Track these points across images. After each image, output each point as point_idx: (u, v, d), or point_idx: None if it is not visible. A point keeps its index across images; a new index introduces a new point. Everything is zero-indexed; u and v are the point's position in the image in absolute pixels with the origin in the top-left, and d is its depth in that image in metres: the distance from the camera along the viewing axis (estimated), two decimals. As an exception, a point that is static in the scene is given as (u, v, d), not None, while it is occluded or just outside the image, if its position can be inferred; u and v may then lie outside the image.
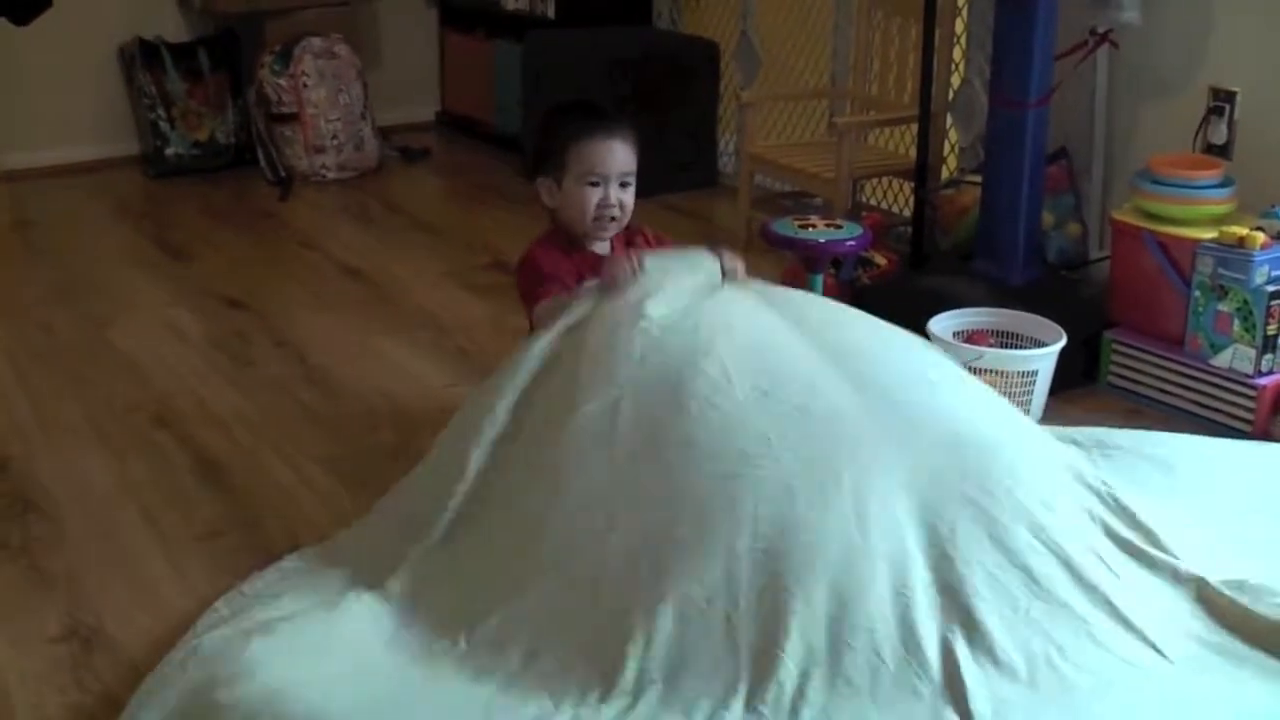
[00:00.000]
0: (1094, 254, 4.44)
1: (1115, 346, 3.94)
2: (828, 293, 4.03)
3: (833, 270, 4.33)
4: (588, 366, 2.78)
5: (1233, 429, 3.66)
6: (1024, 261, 4.18)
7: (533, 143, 3.52)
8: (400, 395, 3.95)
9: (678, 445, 2.59)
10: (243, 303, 4.73)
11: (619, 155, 3.30)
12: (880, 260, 4.53)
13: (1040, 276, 4.23)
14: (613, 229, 3.36)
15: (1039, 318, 3.81)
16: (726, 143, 6.26)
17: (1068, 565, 2.54)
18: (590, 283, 3.21)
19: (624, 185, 3.31)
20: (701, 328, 2.80)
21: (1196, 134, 4.13)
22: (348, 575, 2.79)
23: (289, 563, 2.93)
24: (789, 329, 2.86)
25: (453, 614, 2.60)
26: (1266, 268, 3.61)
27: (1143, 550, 2.68)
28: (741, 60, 6.10)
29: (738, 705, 2.34)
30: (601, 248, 3.42)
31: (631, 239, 3.47)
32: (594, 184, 3.28)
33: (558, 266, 3.31)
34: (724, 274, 3.08)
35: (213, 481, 3.45)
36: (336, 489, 3.38)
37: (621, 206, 3.31)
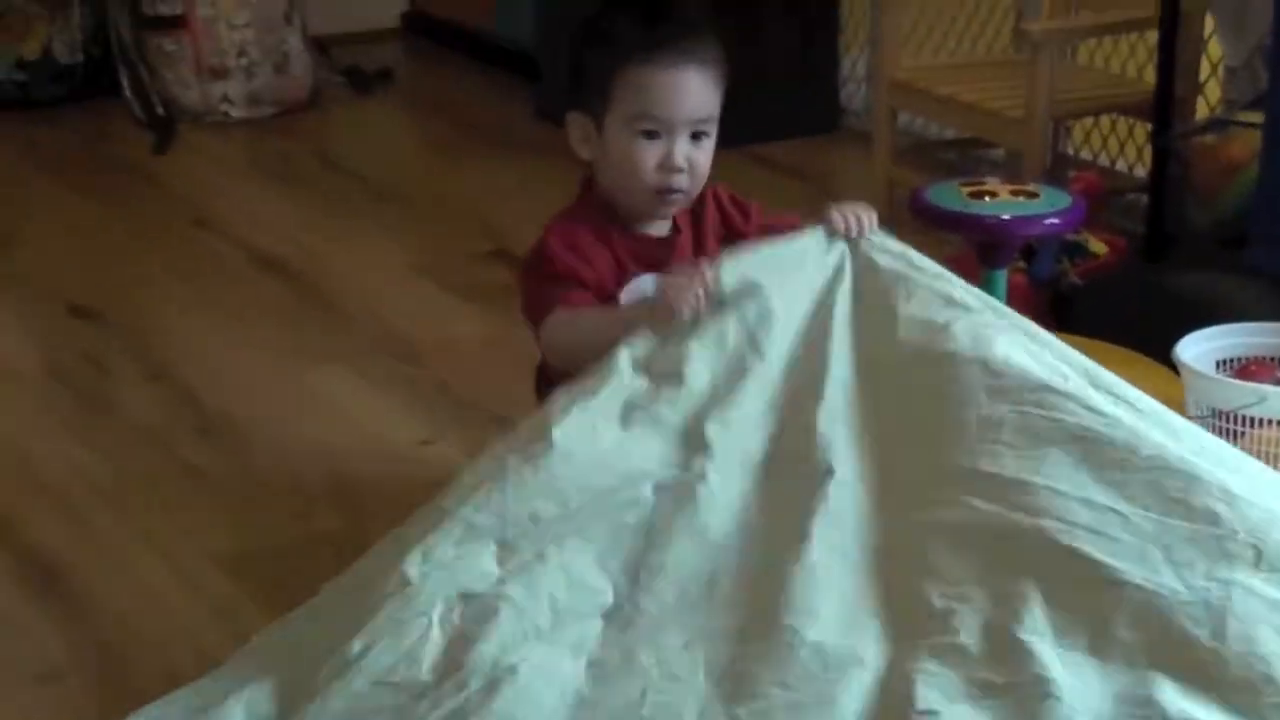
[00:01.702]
0: None
1: None
2: (1015, 299, 4.02)
3: (1023, 263, 4.32)
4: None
5: None
6: (1332, 248, 4.16)
7: (563, 58, 3.50)
8: (348, 457, 3.96)
9: None
10: (97, 311, 4.76)
11: (694, 92, 3.26)
12: (1098, 247, 4.52)
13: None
14: (677, 202, 3.33)
15: (1355, 337, 3.77)
16: (853, 63, 6.29)
17: None
18: (637, 284, 3.26)
19: (698, 137, 3.28)
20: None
21: None
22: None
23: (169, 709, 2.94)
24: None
25: None
26: None
27: None
28: (879, -67, 6.12)
29: None
30: (659, 228, 3.39)
31: (701, 209, 3.44)
32: (651, 134, 3.26)
33: (583, 258, 3.28)
34: (847, 240, 3.12)
35: (48, 594, 3.44)
36: (242, 601, 3.38)
37: (692, 169, 3.27)
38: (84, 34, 6.58)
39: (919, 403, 2.98)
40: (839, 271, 3.09)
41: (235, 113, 6.43)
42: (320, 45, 6.73)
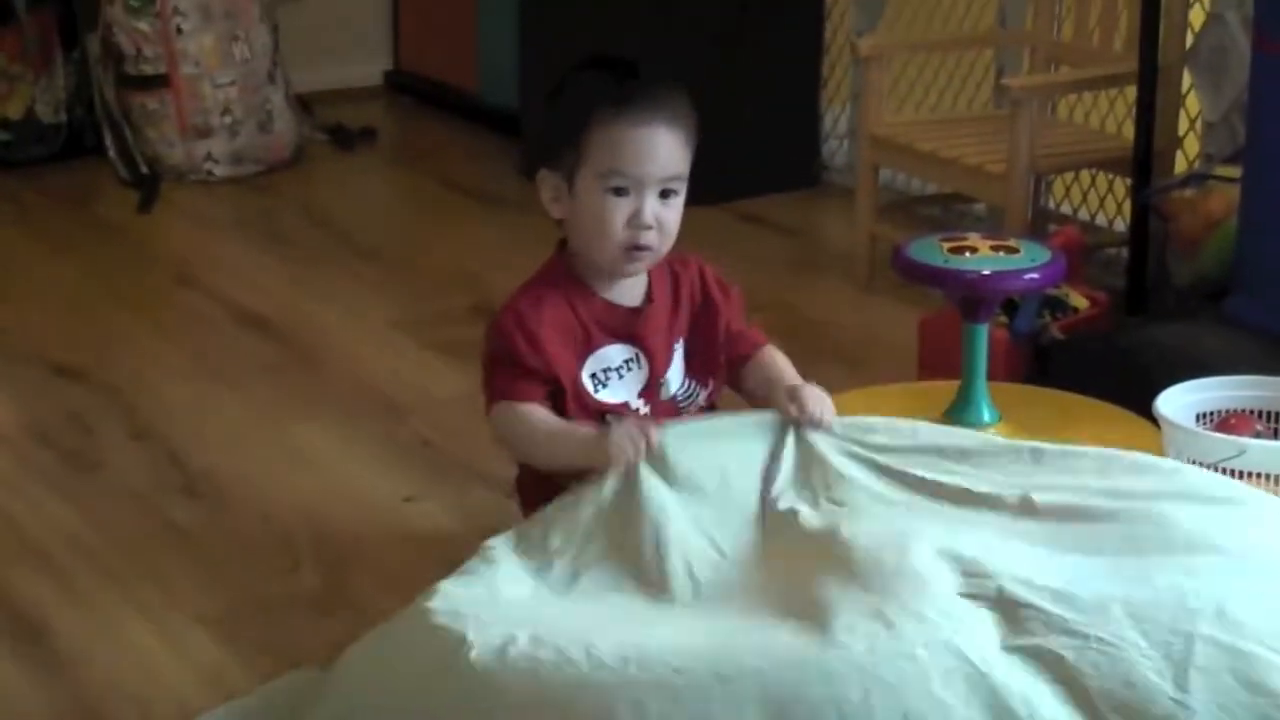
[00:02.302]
0: None
1: None
2: (996, 354, 4.02)
3: (1004, 318, 4.33)
4: None
5: None
6: (1310, 301, 4.17)
7: (538, 116, 3.51)
8: (331, 514, 3.96)
9: None
10: (80, 370, 4.76)
11: (663, 149, 3.25)
12: (1079, 301, 4.53)
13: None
14: (645, 259, 3.31)
15: (1334, 390, 3.78)
16: (835, 120, 6.30)
17: None
18: (603, 353, 3.33)
19: (667, 195, 3.28)
20: None
21: None
22: None
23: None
24: None
25: None
26: None
27: None
28: (859, -10, 6.14)
29: None
30: (629, 291, 3.38)
31: (678, 279, 3.44)
32: (620, 191, 3.25)
33: (534, 344, 3.27)
34: (798, 426, 3.16)
35: (30, 653, 3.43)
36: (228, 659, 3.37)
37: (661, 228, 3.26)
38: (68, 94, 6.59)
39: None
40: (778, 459, 3.14)
41: (219, 171, 6.43)
42: (303, 103, 6.74)
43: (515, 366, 3.25)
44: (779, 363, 3.40)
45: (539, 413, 3.23)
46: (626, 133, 3.21)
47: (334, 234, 5.92)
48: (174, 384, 4.66)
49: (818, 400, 3.17)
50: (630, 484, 3.02)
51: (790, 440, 3.14)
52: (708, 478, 3.07)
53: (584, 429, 3.21)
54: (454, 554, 3.68)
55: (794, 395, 3.17)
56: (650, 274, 3.37)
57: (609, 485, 3.02)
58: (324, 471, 4.17)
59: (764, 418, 3.17)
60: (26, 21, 6.55)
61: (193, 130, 6.40)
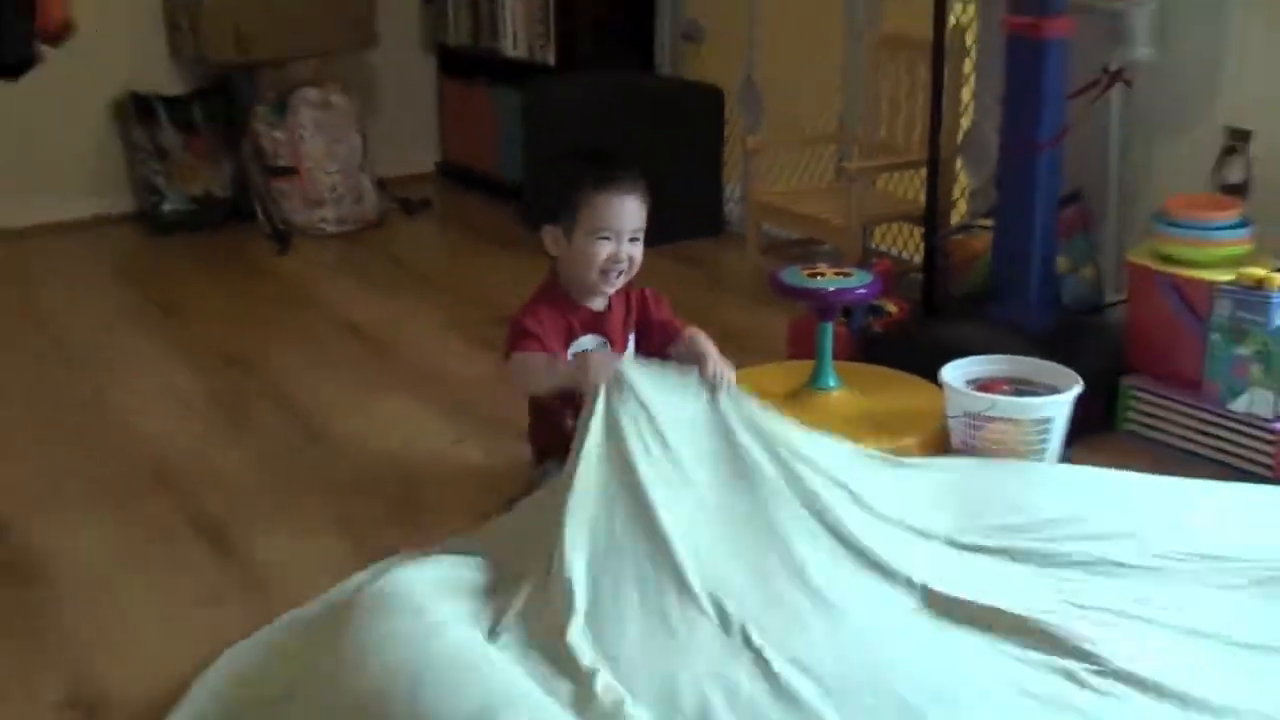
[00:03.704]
0: (1110, 298, 4.46)
1: (1133, 392, 3.96)
2: (838, 342, 4.05)
3: (843, 319, 4.35)
4: None
5: (1253, 474, 3.68)
6: (1039, 307, 4.20)
7: (541, 188, 3.56)
8: (405, 454, 3.96)
9: None
10: (241, 360, 4.75)
11: (632, 211, 3.36)
12: (892, 308, 4.54)
13: (1055, 322, 4.24)
14: (619, 282, 3.43)
15: (1054, 364, 3.80)
16: (732, 190, 6.29)
17: None
18: (580, 342, 3.39)
19: (634, 240, 3.38)
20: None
21: (1213, 173, 4.16)
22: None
23: (296, 620, 2.97)
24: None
25: None
26: (1286, 310, 3.63)
27: None
28: (746, 105, 6.13)
29: None
30: (598, 302, 3.47)
31: (628, 297, 3.53)
32: (605, 239, 3.34)
33: (543, 326, 3.35)
34: (712, 388, 3.17)
35: (213, 545, 3.46)
36: (341, 552, 3.39)
37: (630, 261, 3.38)
38: (232, 180, 6.57)
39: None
40: (698, 406, 3.15)
41: (329, 229, 6.40)
42: (382, 183, 6.70)
43: (524, 334, 3.32)
44: (699, 339, 3.41)
45: (537, 355, 3.29)
46: (612, 201, 3.34)
47: (403, 269, 5.92)
48: (301, 369, 4.67)
49: (726, 369, 3.22)
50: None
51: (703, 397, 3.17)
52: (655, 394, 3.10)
53: (568, 366, 3.28)
54: (486, 479, 3.73)
55: (703, 363, 3.22)
56: (610, 295, 3.45)
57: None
58: (399, 426, 4.17)
59: (690, 379, 3.18)
60: (206, 134, 6.54)
61: (311, 202, 6.38)
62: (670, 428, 3.04)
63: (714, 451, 3.08)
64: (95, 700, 2.81)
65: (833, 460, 3.19)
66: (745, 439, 3.10)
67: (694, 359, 3.25)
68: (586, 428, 3.00)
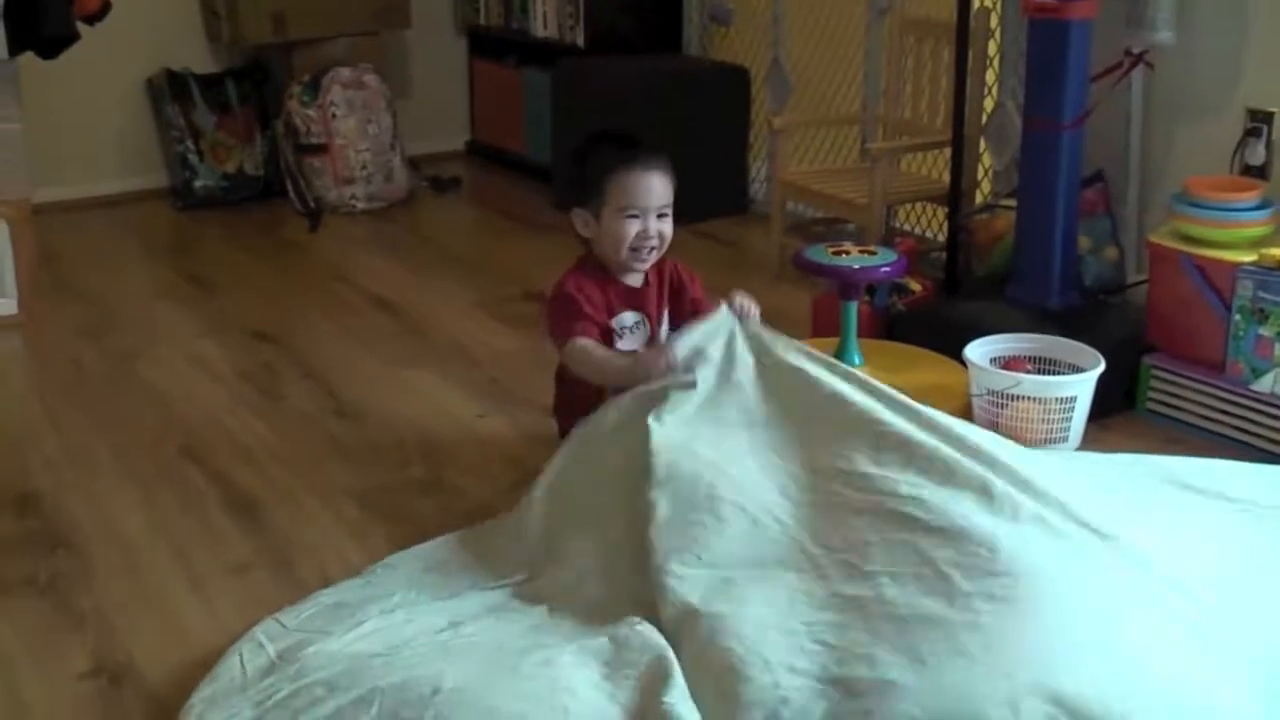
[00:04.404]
0: (1131, 278, 4.42)
1: (1154, 372, 3.92)
2: (862, 320, 4.03)
3: (867, 297, 4.33)
4: None
5: (1275, 454, 3.64)
6: (1060, 286, 4.17)
7: (568, 172, 3.54)
8: (431, 427, 3.95)
9: None
10: (271, 335, 4.74)
11: (657, 188, 3.35)
12: (915, 286, 4.52)
13: (1077, 301, 4.22)
14: (651, 258, 3.42)
15: (1076, 343, 3.79)
16: (758, 170, 6.26)
17: None
18: (621, 317, 3.37)
19: (662, 216, 3.37)
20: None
21: (1234, 155, 4.12)
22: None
23: (328, 596, 2.94)
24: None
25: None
26: (1308, 290, 3.59)
27: None
28: (772, 86, 6.10)
29: None
30: (634, 279, 3.46)
31: (662, 271, 3.51)
32: (633, 216, 3.32)
33: (591, 300, 3.35)
34: (738, 320, 3.20)
35: (241, 515, 3.45)
36: (367, 522, 3.38)
37: (660, 237, 3.37)
38: (263, 157, 6.57)
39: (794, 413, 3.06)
40: (734, 337, 3.17)
41: (360, 206, 6.40)
42: (413, 162, 6.71)
43: (578, 315, 3.35)
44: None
45: (599, 348, 3.33)
46: (636, 179, 3.33)
47: (433, 247, 5.90)
48: (330, 344, 4.65)
49: (750, 301, 3.24)
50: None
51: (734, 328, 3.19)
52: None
53: (626, 356, 3.31)
54: (511, 452, 3.73)
55: (729, 298, 3.23)
56: (646, 270, 3.45)
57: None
58: (426, 400, 4.16)
59: (721, 315, 3.21)
60: (239, 112, 6.54)
61: (342, 180, 6.38)
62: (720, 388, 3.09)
63: (759, 395, 3.11)
64: (120, 669, 2.80)
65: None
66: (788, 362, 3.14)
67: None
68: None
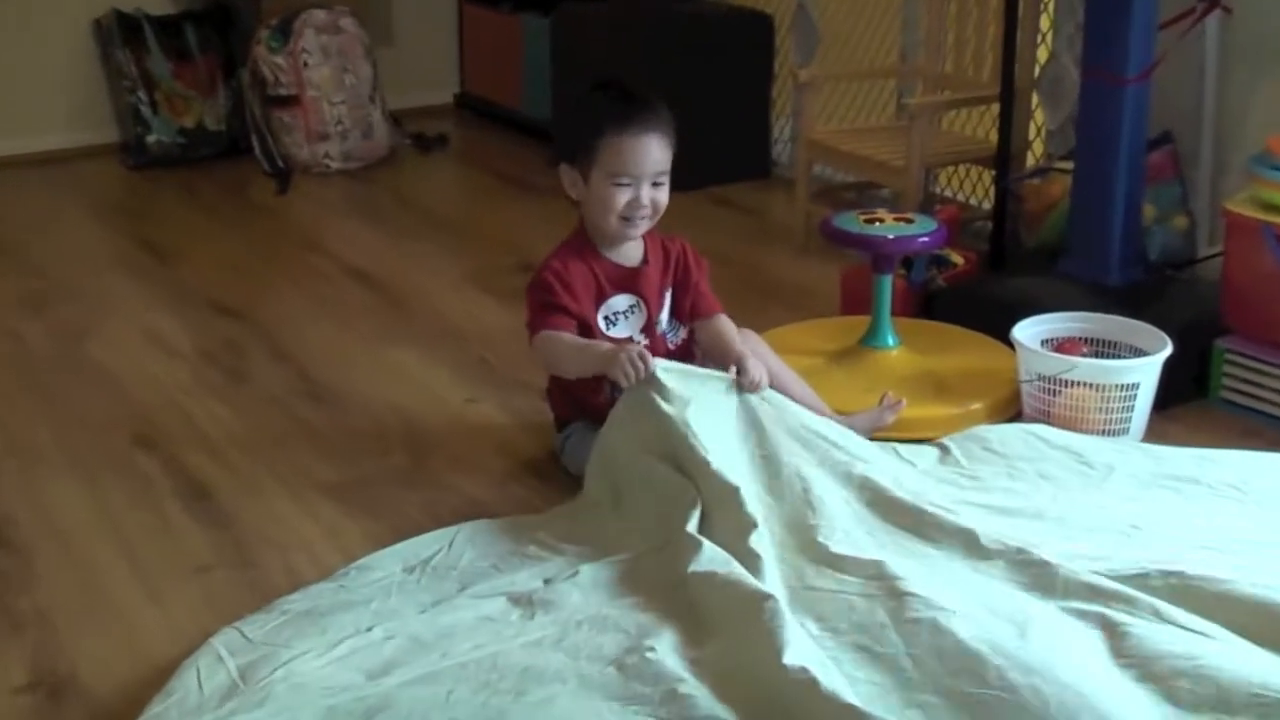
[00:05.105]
0: (1203, 251, 4.41)
1: (1228, 356, 3.90)
2: (896, 297, 4.02)
3: (903, 271, 4.33)
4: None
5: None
6: (1122, 260, 4.15)
7: (567, 129, 3.53)
8: (415, 413, 3.94)
9: None
10: (236, 310, 4.73)
11: (653, 154, 3.34)
12: (957, 259, 4.51)
13: (1141, 277, 4.20)
14: (642, 227, 3.42)
15: (1140, 323, 3.77)
16: (781, 128, 6.25)
17: None
18: (612, 302, 3.40)
19: (657, 185, 3.35)
20: None
21: (1320, 113, 4.12)
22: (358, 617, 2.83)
23: (297, 603, 2.92)
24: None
25: None
26: (1402, 265, 3.58)
27: None
28: (798, 35, 6.09)
29: None
30: (630, 256, 3.46)
31: (667, 251, 3.51)
32: (625, 184, 3.31)
33: (571, 288, 3.35)
34: (740, 386, 3.26)
35: (201, 510, 3.43)
36: (342, 518, 3.37)
37: (654, 206, 3.36)
38: (227, 110, 6.56)
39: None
40: (734, 405, 3.24)
41: (334, 166, 6.39)
42: (394, 117, 6.70)
43: (553, 307, 3.34)
44: (727, 331, 3.49)
45: (567, 335, 3.31)
46: (628, 143, 3.33)
47: (417, 212, 5.90)
48: (302, 320, 4.64)
49: (758, 369, 3.28)
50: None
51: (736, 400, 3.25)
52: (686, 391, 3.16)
53: (601, 345, 3.31)
54: (504, 441, 3.72)
55: (740, 364, 3.29)
56: (646, 245, 3.49)
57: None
58: (409, 382, 4.15)
59: (724, 381, 3.27)
60: (199, 59, 6.53)
61: (315, 136, 6.37)
62: (704, 433, 3.12)
63: (747, 453, 3.17)
64: (61, 682, 2.77)
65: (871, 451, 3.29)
66: (778, 437, 3.21)
67: (724, 354, 3.39)
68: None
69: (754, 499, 2.97)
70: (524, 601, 2.82)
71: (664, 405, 3.12)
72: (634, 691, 2.50)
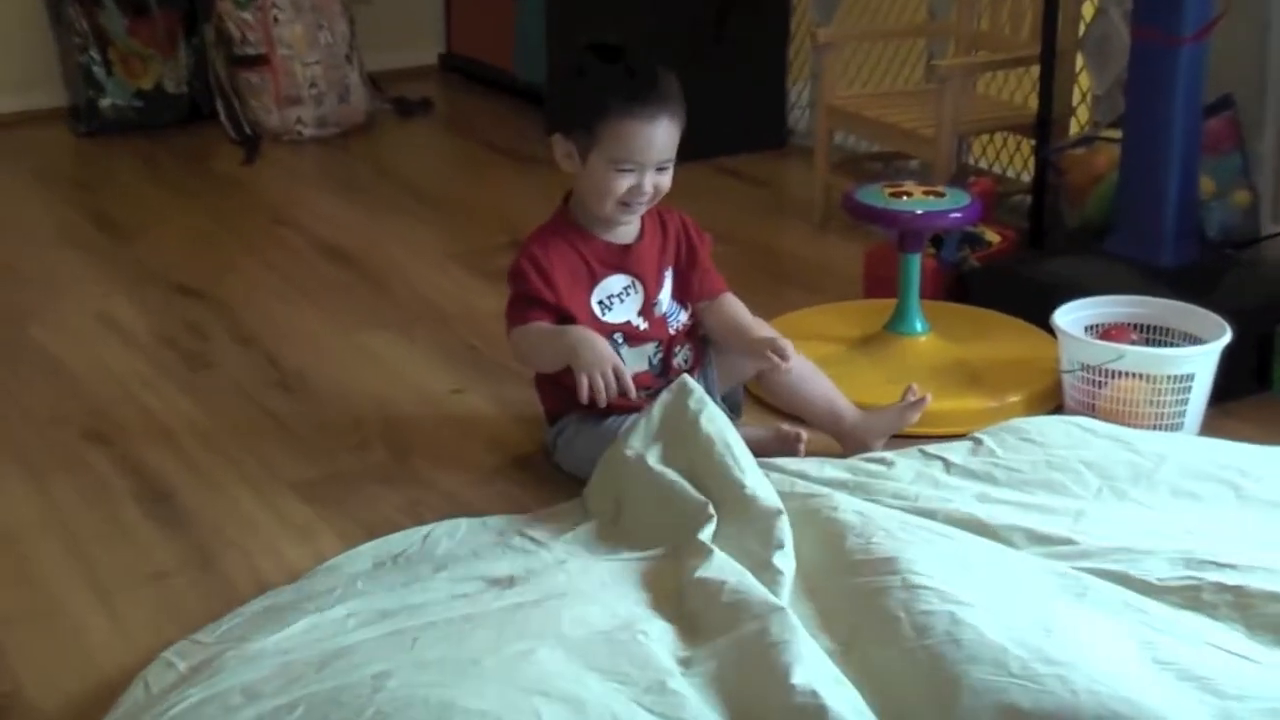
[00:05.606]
0: (1267, 228, 4.41)
1: (1292, 345, 3.90)
2: (926, 278, 4.01)
3: (932, 250, 4.32)
4: None
5: None
6: (1176, 238, 4.15)
7: (560, 94, 3.51)
8: (395, 404, 3.94)
9: None
10: (198, 290, 4.74)
11: (661, 140, 3.30)
12: (992, 237, 4.51)
13: (1197, 257, 4.20)
14: (640, 211, 3.39)
15: (1195, 308, 3.76)
16: (799, 93, 6.25)
17: None
18: (607, 283, 3.41)
19: (661, 170, 3.32)
20: None
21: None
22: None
23: (255, 604, 2.91)
24: None
25: None
26: None
27: None
28: (818, -11, 6.10)
29: None
30: (624, 233, 3.44)
31: (666, 225, 3.51)
32: (627, 170, 3.28)
33: (551, 277, 3.33)
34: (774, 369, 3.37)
35: (159, 511, 3.42)
36: (314, 520, 3.36)
37: (656, 190, 3.34)
38: (188, 71, 6.57)
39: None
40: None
41: (307, 133, 6.40)
42: (373, 79, 6.71)
43: (530, 300, 3.35)
44: (740, 311, 3.51)
45: (537, 325, 3.33)
46: (634, 128, 3.29)
47: (397, 184, 5.90)
48: (271, 301, 4.64)
49: (786, 341, 3.35)
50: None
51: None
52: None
53: (573, 333, 3.32)
54: (492, 435, 3.71)
55: (773, 347, 3.33)
56: (643, 219, 3.45)
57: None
58: (389, 370, 4.15)
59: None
60: (157, 14, 6.53)
61: (286, 100, 6.38)
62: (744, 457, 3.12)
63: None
64: (6, 699, 2.75)
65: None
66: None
67: (738, 341, 3.43)
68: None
69: (786, 526, 2.94)
70: (503, 582, 2.81)
71: (705, 425, 3.12)
72: (620, 669, 2.47)
